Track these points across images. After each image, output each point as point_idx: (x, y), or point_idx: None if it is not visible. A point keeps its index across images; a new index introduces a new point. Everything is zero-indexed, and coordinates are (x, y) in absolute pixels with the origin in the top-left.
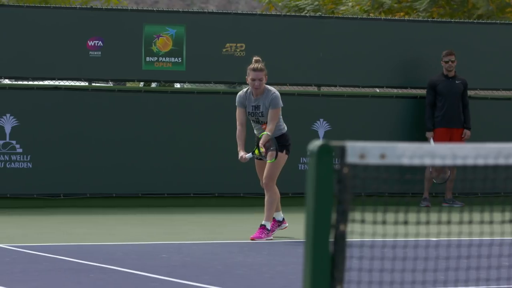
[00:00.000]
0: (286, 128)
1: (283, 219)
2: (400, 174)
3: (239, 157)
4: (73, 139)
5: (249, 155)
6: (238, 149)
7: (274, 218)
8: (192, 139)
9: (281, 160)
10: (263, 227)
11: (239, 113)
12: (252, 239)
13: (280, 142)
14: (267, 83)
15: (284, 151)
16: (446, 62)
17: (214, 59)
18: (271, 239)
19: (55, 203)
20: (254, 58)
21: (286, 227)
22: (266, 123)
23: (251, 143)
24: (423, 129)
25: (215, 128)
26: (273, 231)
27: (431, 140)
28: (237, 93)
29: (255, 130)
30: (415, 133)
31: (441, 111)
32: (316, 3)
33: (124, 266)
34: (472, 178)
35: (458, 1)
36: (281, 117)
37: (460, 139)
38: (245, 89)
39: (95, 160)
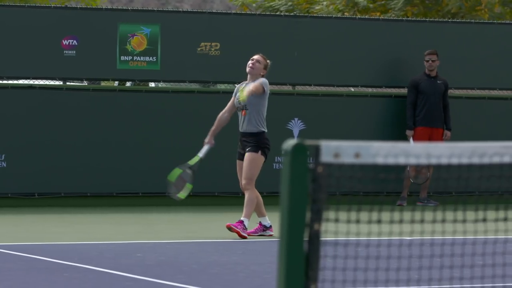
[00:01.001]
0: (266, 130)
1: (270, 226)
2: (374, 173)
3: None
4: (48, 138)
5: (201, 153)
6: (211, 129)
7: (260, 222)
8: (166, 138)
9: (258, 161)
10: (241, 221)
11: (230, 101)
12: (227, 226)
13: (257, 142)
14: None
15: (260, 152)
16: (427, 61)
17: (188, 58)
18: (246, 238)
19: (29, 202)
20: None
21: (271, 234)
22: (246, 109)
23: (233, 139)
24: (399, 128)
25: (190, 127)
26: (256, 233)
27: (411, 139)
28: (212, 92)
29: (239, 127)
30: (391, 132)
31: (422, 110)
32: (290, 3)
33: (99, 265)
34: (446, 177)
35: None
36: (265, 117)
37: (440, 138)
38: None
39: (70, 160)
